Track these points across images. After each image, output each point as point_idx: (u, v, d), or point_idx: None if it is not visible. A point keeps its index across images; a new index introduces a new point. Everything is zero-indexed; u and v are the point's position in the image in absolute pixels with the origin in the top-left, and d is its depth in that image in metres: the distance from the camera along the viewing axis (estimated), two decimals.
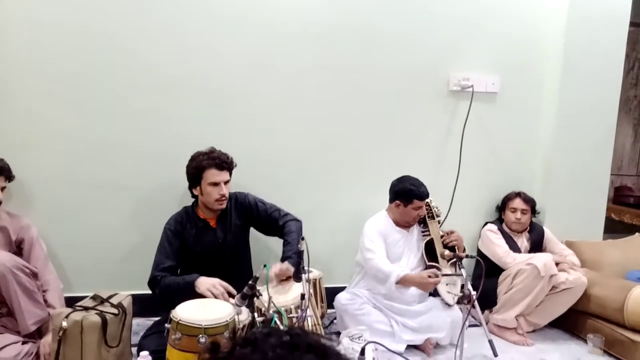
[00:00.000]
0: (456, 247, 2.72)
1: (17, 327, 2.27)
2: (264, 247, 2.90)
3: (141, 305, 2.58)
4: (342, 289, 2.83)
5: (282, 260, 2.41)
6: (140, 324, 2.61)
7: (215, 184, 2.43)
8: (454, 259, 2.60)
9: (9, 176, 2.44)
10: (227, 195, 2.48)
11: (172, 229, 2.49)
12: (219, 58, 2.81)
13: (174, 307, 2.07)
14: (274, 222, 2.59)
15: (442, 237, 2.73)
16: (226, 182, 2.48)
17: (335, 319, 2.76)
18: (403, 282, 2.54)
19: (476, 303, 2.36)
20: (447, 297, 2.65)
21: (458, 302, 2.57)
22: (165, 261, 2.43)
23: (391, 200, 2.74)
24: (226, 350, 0.69)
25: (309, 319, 2.05)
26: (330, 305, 2.81)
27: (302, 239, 2.14)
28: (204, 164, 2.43)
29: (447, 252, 2.65)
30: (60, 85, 2.66)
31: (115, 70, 2.70)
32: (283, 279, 2.33)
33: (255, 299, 2.19)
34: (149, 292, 2.60)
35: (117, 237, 2.80)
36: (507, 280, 2.86)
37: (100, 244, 2.78)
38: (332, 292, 2.81)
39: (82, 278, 2.74)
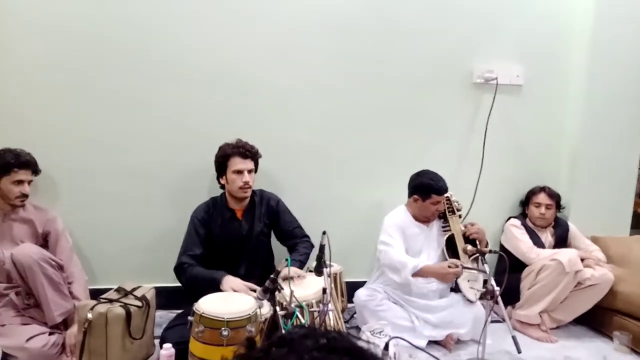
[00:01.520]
0: (478, 241, 2.68)
1: (44, 318, 2.32)
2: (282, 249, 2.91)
3: (164, 298, 2.61)
4: (361, 283, 2.82)
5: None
6: (163, 316, 2.64)
7: (239, 172, 2.49)
8: (477, 254, 2.56)
9: (35, 170, 2.48)
10: (250, 184, 2.52)
11: (200, 217, 2.54)
12: (243, 50, 2.82)
13: (197, 298, 2.10)
14: (292, 237, 2.67)
15: (463, 230, 2.69)
16: (250, 171, 2.53)
17: (355, 313, 2.75)
18: (422, 273, 2.52)
19: (499, 299, 2.33)
20: (469, 293, 2.61)
21: (481, 298, 2.53)
22: (192, 248, 2.47)
23: (410, 195, 2.72)
24: (262, 349, 0.69)
25: (330, 313, 2.04)
26: (350, 299, 2.80)
27: (324, 233, 2.14)
28: (229, 152, 2.51)
29: (469, 247, 2.61)
30: (86, 78, 2.69)
31: (142, 63, 2.73)
32: (294, 280, 2.34)
33: (276, 293, 2.20)
34: (172, 284, 2.65)
35: (141, 229, 2.83)
36: (530, 276, 2.81)
37: (125, 236, 2.81)
38: (352, 287, 2.81)
39: (106, 270, 2.79)
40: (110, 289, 2.37)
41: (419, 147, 3.08)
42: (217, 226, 2.57)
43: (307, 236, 2.67)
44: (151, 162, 2.81)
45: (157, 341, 2.38)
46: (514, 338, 2.27)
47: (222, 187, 2.62)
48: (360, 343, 0.69)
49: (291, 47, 2.87)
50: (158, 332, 2.42)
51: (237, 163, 2.50)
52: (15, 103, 2.65)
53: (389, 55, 2.98)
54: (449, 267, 2.49)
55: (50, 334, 2.27)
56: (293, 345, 0.67)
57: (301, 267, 2.41)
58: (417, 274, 2.52)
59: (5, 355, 2.17)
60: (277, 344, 0.68)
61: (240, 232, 2.59)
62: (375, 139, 3.04)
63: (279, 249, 2.76)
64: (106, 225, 2.79)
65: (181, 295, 2.59)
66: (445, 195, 2.70)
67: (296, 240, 2.64)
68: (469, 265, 2.58)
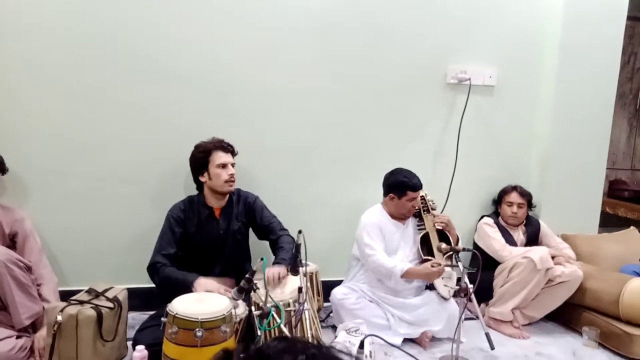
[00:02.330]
0: (448, 234, 2.72)
1: (11, 321, 2.25)
2: (263, 244, 2.89)
3: (138, 299, 2.57)
4: (338, 282, 2.82)
5: (275, 263, 2.42)
6: (136, 318, 2.59)
7: (224, 165, 2.48)
8: (451, 252, 2.59)
9: (2, 169, 2.40)
10: (235, 177, 2.51)
11: (175, 216, 2.50)
12: (225, 49, 2.79)
13: (170, 299, 2.06)
14: (271, 231, 2.64)
15: (436, 222, 2.73)
16: (233, 165, 2.53)
17: (331, 312, 2.76)
18: (408, 275, 2.55)
19: (473, 296, 2.37)
20: (443, 290, 2.65)
21: (455, 296, 2.57)
22: (167, 247, 2.44)
23: (385, 194, 2.74)
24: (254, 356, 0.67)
25: (306, 312, 2.04)
26: (326, 298, 2.80)
27: (300, 232, 2.14)
28: (210, 147, 2.49)
29: (443, 245, 2.64)
30: (56, 76, 2.62)
31: (113, 61, 2.67)
32: (277, 280, 2.32)
33: (252, 292, 2.19)
34: (146, 285, 2.60)
35: (113, 230, 2.77)
36: (503, 274, 2.86)
37: (96, 237, 2.75)
38: (328, 286, 2.81)
39: (77, 272, 2.71)
40: (82, 290, 2.32)
41: (397, 146, 3.11)
42: (194, 225, 2.54)
43: (285, 229, 2.64)
44: (126, 162, 2.75)
45: (129, 343, 2.33)
46: (487, 335, 2.31)
47: (199, 186, 2.58)
48: (343, 357, 0.68)
49: (272, 47, 2.85)
50: (131, 334, 2.36)
51: (220, 157, 2.49)
52: None
53: (369, 57, 3.00)
54: (432, 266, 2.52)
55: (18, 337, 2.19)
56: None
57: (297, 250, 2.30)
58: (404, 276, 2.55)
59: None
60: (254, 358, 0.67)
61: (218, 231, 2.56)
62: (355, 139, 3.05)
63: (255, 249, 2.74)
64: (78, 226, 2.72)
65: (155, 297, 2.54)
66: (420, 194, 2.73)
67: (275, 234, 2.61)
68: (446, 263, 2.60)
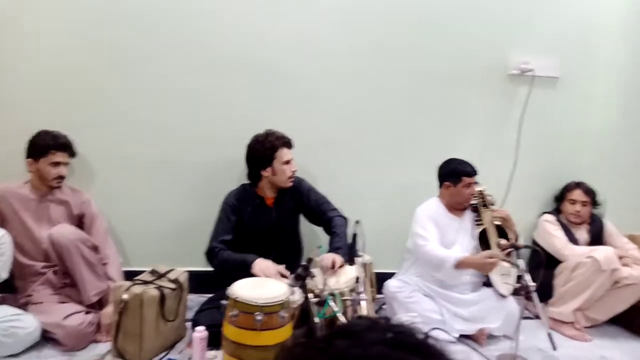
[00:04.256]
0: (506, 229, 2.63)
1: (80, 297, 2.37)
2: (312, 232, 2.90)
3: (193, 282, 2.63)
4: (389, 274, 2.80)
5: (331, 251, 2.42)
6: (192, 300, 2.65)
7: (288, 162, 2.52)
8: (511, 249, 2.51)
9: (72, 152, 2.52)
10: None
11: (231, 204, 2.55)
12: (270, 39, 2.80)
13: (228, 283, 2.11)
14: (322, 213, 2.63)
15: (495, 218, 2.65)
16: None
17: (384, 304, 2.74)
18: (461, 265, 2.48)
19: (535, 295, 2.29)
20: (501, 287, 2.57)
21: (514, 294, 2.49)
22: (223, 234, 2.49)
23: (440, 184, 2.69)
24: (324, 339, 0.67)
25: (363, 302, 2.03)
26: (378, 290, 2.79)
27: (357, 222, 2.13)
28: (277, 144, 2.51)
29: (503, 241, 2.56)
30: (122, 67, 2.72)
31: (172, 52, 2.74)
32: (332, 270, 2.32)
33: (307, 280, 2.20)
34: (203, 269, 2.67)
35: (173, 214, 2.85)
36: (565, 273, 2.75)
37: (157, 220, 2.84)
38: (380, 278, 2.79)
39: (139, 253, 2.82)
40: (142, 271, 2.40)
41: (451, 139, 3.03)
42: (248, 213, 2.58)
43: (335, 209, 2.63)
44: (183, 150, 2.82)
45: (188, 324, 2.41)
46: (549, 335, 2.23)
47: (256, 178, 2.60)
48: (429, 340, 0.66)
49: (319, 37, 2.84)
50: (189, 315, 2.44)
51: (285, 154, 2.52)
52: (54, 88, 2.68)
53: (420, 45, 2.93)
54: (487, 257, 2.45)
55: (86, 313, 2.31)
56: (357, 338, 0.64)
57: (344, 252, 2.36)
58: (457, 266, 2.49)
59: (43, 331, 2.22)
60: (339, 335, 0.66)
61: (270, 219, 2.60)
62: (407, 131, 3.00)
63: (307, 237, 2.76)
64: (138, 210, 2.82)
65: (210, 280, 2.61)
66: (478, 188, 2.66)
67: (327, 216, 2.60)
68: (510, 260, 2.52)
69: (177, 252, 2.82)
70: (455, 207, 2.67)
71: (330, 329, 0.70)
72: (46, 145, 2.42)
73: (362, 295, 2.01)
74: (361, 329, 0.66)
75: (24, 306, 2.33)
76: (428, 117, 3.01)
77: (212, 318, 2.25)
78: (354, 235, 2.15)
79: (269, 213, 2.60)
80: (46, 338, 2.24)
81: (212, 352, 2.21)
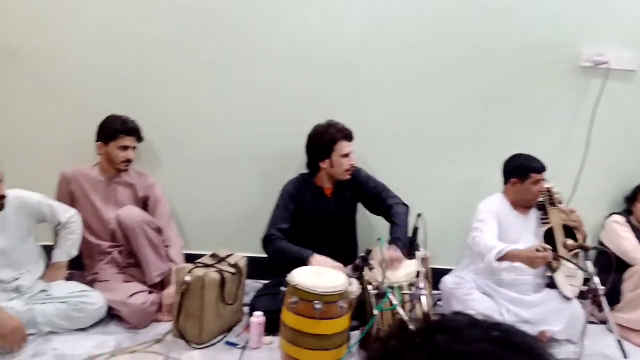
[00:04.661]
0: (576, 231, 2.51)
1: (143, 277, 2.45)
2: (369, 224, 2.88)
3: (250, 268, 2.66)
4: (446, 270, 2.74)
5: (391, 242, 2.39)
6: (249, 286, 2.69)
7: (347, 156, 2.49)
8: (578, 250, 2.39)
9: (140, 137, 2.60)
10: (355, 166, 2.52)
11: (290, 192, 2.56)
12: (336, 31, 2.78)
13: (285, 270, 2.13)
14: (382, 202, 2.59)
15: (563, 219, 2.52)
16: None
17: (439, 300, 2.69)
18: (509, 257, 2.35)
19: (604, 299, 2.17)
20: (567, 289, 2.46)
21: (580, 297, 2.38)
22: (281, 222, 2.50)
23: (506, 180, 2.59)
24: (422, 334, 0.65)
25: (423, 297, 1.99)
26: (435, 286, 2.73)
27: (419, 215, 2.09)
28: (337, 137, 2.48)
29: (570, 241, 2.44)
30: (188, 58, 2.77)
31: (235, 43, 2.77)
32: (390, 264, 2.29)
33: (365, 272, 2.19)
34: (259, 255, 2.70)
35: (233, 201, 2.90)
36: (634, 278, 2.60)
37: (218, 206, 2.90)
38: (436, 274, 2.73)
39: (198, 237, 2.88)
40: (201, 255, 2.46)
41: (517, 133, 2.90)
42: (307, 203, 2.58)
43: (396, 197, 2.59)
44: (243, 139, 2.86)
45: (245, 309, 2.45)
46: (619, 342, 2.11)
47: (315, 168, 2.59)
48: (536, 343, 0.62)
49: (382, 29, 2.79)
50: (245, 300, 2.48)
51: (345, 147, 2.49)
52: (125, 76, 2.77)
53: (487, 36, 2.82)
54: (538, 250, 2.31)
55: (149, 292, 2.39)
56: (458, 334, 0.61)
57: (404, 243, 2.33)
58: (504, 258, 2.37)
59: (109, 308, 2.31)
60: (438, 330, 0.64)
61: (329, 210, 2.59)
62: (471, 125, 2.91)
63: (364, 229, 2.74)
64: (200, 196, 2.88)
65: (267, 267, 2.65)
66: (547, 185, 2.54)
67: (386, 203, 2.56)
68: (569, 262, 2.41)
69: (235, 238, 2.86)
70: (521, 205, 2.57)
71: (426, 323, 0.68)
72: (116, 130, 2.51)
73: (423, 291, 1.98)
74: (462, 325, 0.63)
75: (90, 283, 2.44)
76: (494, 111, 2.90)
77: (269, 304, 2.29)
78: (415, 229, 2.12)
79: (328, 204, 2.59)
80: (111, 315, 2.34)
81: (269, 338, 2.25)
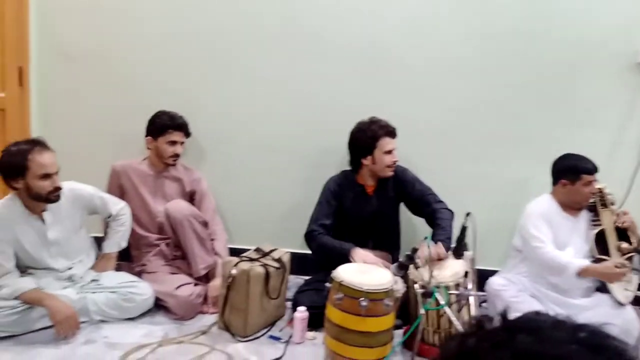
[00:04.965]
0: (631, 234, 2.41)
1: (189, 269, 2.51)
2: (411, 224, 2.84)
3: (292, 264, 2.68)
4: (490, 271, 2.68)
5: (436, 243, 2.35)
6: (290, 281, 2.69)
7: (389, 152, 2.46)
8: (633, 253, 2.30)
9: (187, 132, 2.65)
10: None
11: (332, 189, 2.56)
12: (379, 25, 2.75)
13: (327, 266, 2.13)
14: (426, 205, 2.55)
15: (615, 221, 2.43)
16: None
17: (484, 301, 2.63)
18: (585, 273, 2.31)
19: None
20: (620, 294, 2.36)
21: (636, 303, 2.29)
22: (323, 218, 2.50)
23: (556, 181, 2.50)
24: (502, 333, 0.63)
25: (471, 298, 1.96)
26: (479, 287, 2.67)
27: (468, 214, 2.06)
28: (379, 133, 2.46)
29: (624, 244, 2.36)
30: (234, 53, 2.80)
31: (276, 38, 2.78)
32: (434, 261, 2.25)
33: (409, 270, 2.16)
34: (300, 251, 2.72)
35: (276, 196, 2.92)
36: None
37: (262, 201, 2.92)
38: (480, 275, 2.67)
39: (242, 231, 2.91)
40: (244, 249, 2.49)
41: (566, 132, 2.81)
42: (348, 199, 2.57)
43: (441, 201, 2.55)
44: (286, 135, 2.87)
45: (288, 303, 2.46)
46: None
47: (357, 165, 2.58)
48: (626, 345, 0.60)
49: (428, 21, 2.75)
50: (287, 295, 2.49)
51: (387, 143, 2.46)
52: (172, 72, 2.82)
53: (539, 31, 2.73)
54: (616, 266, 2.25)
55: (195, 285, 2.44)
56: (542, 335, 0.60)
57: (447, 246, 2.32)
58: (580, 274, 2.32)
59: (156, 299, 2.37)
60: (520, 330, 0.62)
61: (371, 208, 2.57)
62: (519, 123, 2.82)
63: (406, 228, 2.71)
64: (244, 190, 2.91)
65: (308, 263, 2.66)
66: (599, 186, 2.46)
67: (430, 207, 2.53)
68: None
69: (276, 233, 2.88)
70: (571, 206, 2.49)
71: (504, 322, 0.67)
72: (164, 125, 2.57)
73: (472, 291, 1.94)
74: (546, 326, 0.62)
75: (138, 274, 2.50)
76: (544, 109, 2.81)
77: (311, 299, 2.29)
78: (464, 228, 2.08)
79: (370, 201, 2.58)
80: (158, 306, 2.39)
81: (312, 333, 2.26)
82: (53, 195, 2.16)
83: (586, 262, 2.33)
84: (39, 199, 2.16)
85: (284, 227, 2.90)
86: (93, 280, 2.34)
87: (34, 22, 2.78)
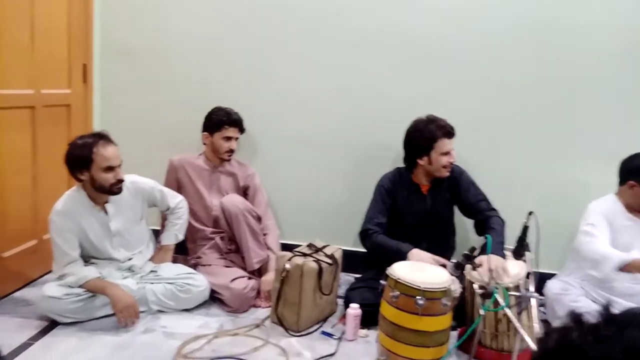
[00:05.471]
0: None
1: (242, 263, 2.55)
2: (464, 226, 2.78)
3: (343, 261, 2.67)
4: (547, 274, 2.58)
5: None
6: (341, 278, 2.69)
7: (447, 153, 2.40)
8: None
9: (242, 128, 2.70)
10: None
11: (386, 186, 2.52)
12: (433, 18, 2.70)
13: (379, 264, 2.10)
14: (479, 211, 2.49)
15: None
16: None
17: (542, 305, 2.53)
18: (631, 267, 2.17)
19: None
20: None
21: None
22: (378, 216, 2.47)
23: (623, 181, 2.38)
24: (610, 327, 0.61)
25: (533, 300, 1.89)
26: (536, 290, 2.57)
27: (531, 213, 1.99)
28: (437, 135, 2.39)
29: None
30: (285, 51, 2.83)
31: (314, 33, 2.78)
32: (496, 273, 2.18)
33: (465, 270, 2.11)
34: (352, 248, 2.71)
35: (328, 193, 2.92)
36: None
37: (312, 197, 2.93)
38: (538, 278, 2.57)
39: (293, 227, 2.94)
40: (295, 244, 2.50)
41: (632, 130, 2.67)
42: (402, 198, 2.53)
43: (494, 209, 2.48)
44: (339, 130, 2.86)
45: (339, 300, 2.46)
46: None
47: (410, 165, 2.53)
48: None
49: (465, 14, 2.67)
50: (339, 292, 2.49)
51: (445, 144, 2.39)
52: (228, 70, 2.88)
53: (588, 21, 2.59)
54: None
55: (249, 278, 2.47)
56: None
57: (502, 253, 2.23)
58: (625, 268, 2.19)
59: (211, 291, 2.42)
60: (627, 324, 0.60)
61: (425, 207, 2.52)
62: (582, 119, 2.69)
63: (460, 230, 2.65)
64: (296, 186, 2.93)
65: (358, 260, 2.64)
66: None
67: (482, 214, 2.46)
68: None
69: (328, 229, 2.88)
70: (637, 209, 2.36)
71: (607, 316, 0.64)
72: (220, 121, 2.62)
73: (534, 293, 1.88)
74: None
75: (193, 267, 2.56)
76: (609, 104, 2.67)
77: (363, 297, 2.28)
78: (525, 228, 2.01)
79: (424, 200, 2.53)
80: (213, 298, 2.44)
81: (364, 331, 2.24)
82: (116, 188, 2.23)
83: (632, 256, 2.17)
84: (103, 191, 2.24)
85: (334, 223, 2.90)
86: (152, 271, 2.41)
87: (97, 22, 2.89)
